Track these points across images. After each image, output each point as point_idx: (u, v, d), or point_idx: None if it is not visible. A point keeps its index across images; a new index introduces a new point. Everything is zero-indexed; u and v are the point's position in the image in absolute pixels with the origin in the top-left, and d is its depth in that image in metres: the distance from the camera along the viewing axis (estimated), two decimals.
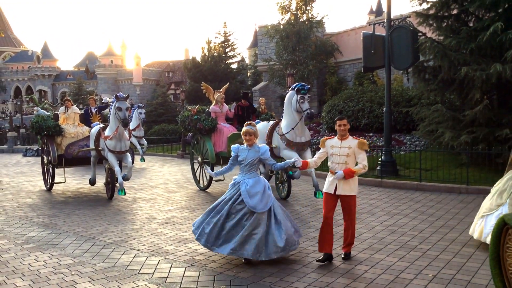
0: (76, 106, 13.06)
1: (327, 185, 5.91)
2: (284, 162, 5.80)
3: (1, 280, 5.59)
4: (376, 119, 18.11)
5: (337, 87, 27.82)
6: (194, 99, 34.34)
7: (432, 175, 11.66)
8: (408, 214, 8.54)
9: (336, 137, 5.90)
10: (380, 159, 12.65)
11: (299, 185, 12.05)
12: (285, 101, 9.54)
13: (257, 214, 5.75)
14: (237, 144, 6.04)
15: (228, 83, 15.14)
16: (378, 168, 12.45)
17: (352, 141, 5.79)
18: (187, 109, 12.49)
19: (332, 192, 5.84)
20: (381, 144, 15.71)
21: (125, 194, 10.47)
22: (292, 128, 9.33)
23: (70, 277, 5.64)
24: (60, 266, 6.06)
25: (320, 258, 5.90)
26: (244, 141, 5.94)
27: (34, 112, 13.18)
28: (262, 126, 10.32)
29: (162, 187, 12.76)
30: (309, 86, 9.36)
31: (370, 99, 18.91)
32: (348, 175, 5.68)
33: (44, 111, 13.77)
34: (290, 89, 9.48)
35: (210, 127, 11.40)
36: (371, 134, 18.10)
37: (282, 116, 9.79)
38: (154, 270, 5.80)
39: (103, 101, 13.27)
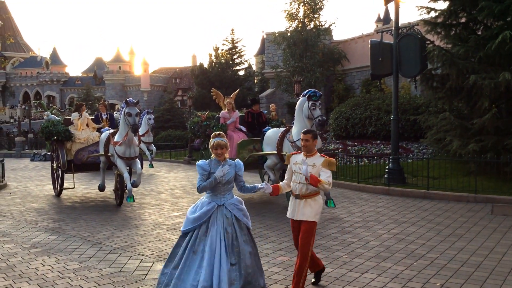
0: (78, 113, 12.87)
1: (289, 209, 5.06)
2: (252, 185, 4.86)
3: (8, 284, 5.60)
4: (383, 126, 18.06)
5: (344, 95, 27.83)
6: (201, 105, 34.43)
7: (440, 183, 11.59)
8: (415, 222, 8.49)
9: (302, 154, 5.08)
10: (387, 167, 12.60)
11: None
12: (296, 107, 9.42)
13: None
14: (202, 161, 4.86)
15: (238, 89, 15.07)
16: (385, 176, 12.40)
17: (318, 159, 4.95)
18: (197, 115, 12.36)
19: (295, 218, 4.96)
20: (388, 151, 15.66)
21: (134, 201, 10.34)
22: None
23: (76, 281, 5.64)
24: (67, 271, 6.06)
25: (313, 280, 5.38)
26: (214, 155, 4.80)
27: (45, 117, 13.06)
28: (273, 133, 10.21)
29: (169, 193, 12.77)
30: (320, 93, 9.20)
31: (377, 107, 18.87)
32: (313, 179, 4.68)
33: (54, 116, 13.63)
34: (301, 95, 9.36)
35: None
36: (378, 141, 18.05)
37: (293, 123, 9.65)
38: None
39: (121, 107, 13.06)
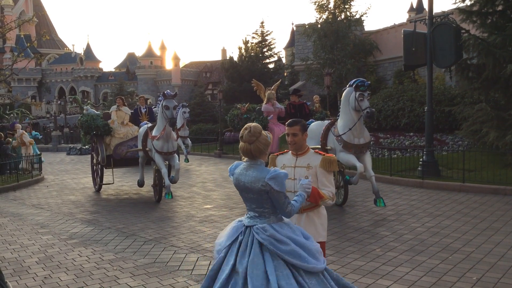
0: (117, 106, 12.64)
1: None
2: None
3: (47, 274, 5.78)
4: (417, 118, 17.71)
5: (376, 86, 27.41)
6: (232, 99, 34.59)
7: (476, 176, 11.31)
8: (450, 215, 8.31)
9: (289, 153, 3.99)
10: (421, 160, 12.37)
11: (357, 191, 10.94)
12: (342, 98, 8.87)
13: None
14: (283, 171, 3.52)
15: (280, 80, 14.78)
16: (419, 168, 12.17)
17: (312, 157, 3.88)
18: (237, 107, 11.95)
19: None
20: (422, 144, 15.36)
21: (172, 197, 10.04)
22: (350, 129, 8.57)
23: (112, 272, 5.77)
24: (103, 261, 6.21)
25: None
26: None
27: (84, 111, 13.02)
28: (316, 126, 9.57)
29: (200, 186, 12.89)
30: (369, 82, 8.63)
31: (410, 98, 18.52)
32: (314, 197, 3.67)
33: (93, 110, 13.54)
34: (348, 85, 8.76)
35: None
36: (411, 134, 17.73)
37: (338, 115, 9.05)
38: (193, 267, 5.85)
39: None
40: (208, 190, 12.08)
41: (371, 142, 17.13)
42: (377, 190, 8.57)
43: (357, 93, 8.30)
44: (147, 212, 9.50)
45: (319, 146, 9.17)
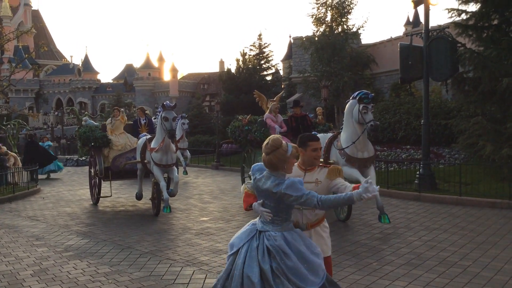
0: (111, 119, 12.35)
1: None
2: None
3: (41, 287, 5.73)
4: (413, 131, 17.76)
5: (373, 99, 27.51)
6: (229, 110, 34.63)
7: (473, 189, 11.32)
8: (447, 229, 8.30)
9: (296, 166, 3.86)
10: (418, 173, 12.38)
11: (360, 207, 10.44)
12: (345, 111, 8.63)
13: None
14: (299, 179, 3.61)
15: (282, 92, 14.51)
16: (416, 181, 12.18)
17: (320, 172, 3.88)
18: (238, 119, 11.59)
19: None
20: (418, 157, 15.39)
21: (170, 211, 9.70)
22: (353, 142, 8.37)
23: (107, 285, 5.73)
24: (98, 275, 6.17)
25: None
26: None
27: (83, 122, 12.87)
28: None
29: (197, 198, 12.85)
30: (373, 94, 8.41)
31: (407, 111, 18.59)
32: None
33: (92, 121, 13.38)
34: (351, 98, 8.55)
35: (262, 139, 10.16)
36: (408, 146, 17.76)
37: (341, 128, 8.86)
38: (189, 281, 5.82)
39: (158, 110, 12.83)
40: (205, 202, 12.04)
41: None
42: (381, 206, 8.17)
43: (361, 106, 8.13)
44: (143, 224, 9.46)
45: (322, 159, 9.02)
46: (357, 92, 8.42)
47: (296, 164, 3.85)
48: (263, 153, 3.58)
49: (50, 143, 24.70)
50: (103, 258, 6.98)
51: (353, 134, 8.42)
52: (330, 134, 9.49)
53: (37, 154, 18.50)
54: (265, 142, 3.59)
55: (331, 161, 8.75)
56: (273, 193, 3.51)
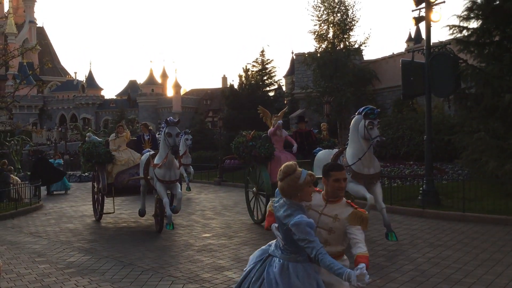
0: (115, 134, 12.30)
1: None
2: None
3: None
4: (416, 147, 17.75)
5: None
6: (232, 126, 34.70)
7: (477, 205, 11.25)
8: (451, 246, 8.24)
9: (321, 195, 3.62)
10: (421, 189, 12.33)
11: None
12: (350, 126, 8.57)
13: None
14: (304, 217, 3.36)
15: (286, 108, 14.37)
16: (419, 197, 12.13)
17: (343, 208, 3.51)
18: (242, 134, 11.45)
19: None
20: (422, 172, 15.34)
21: (173, 228, 9.67)
22: (359, 158, 8.28)
23: None
24: None
25: None
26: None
27: (86, 138, 12.83)
28: (324, 155, 9.26)
29: (199, 214, 12.81)
30: (378, 110, 8.30)
31: (410, 127, 18.61)
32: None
33: (96, 137, 13.30)
34: (356, 113, 8.47)
35: (266, 155, 10.31)
36: (411, 162, 17.73)
37: (347, 144, 8.78)
38: None
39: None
40: (207, 219, 12.00)
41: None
42: (388, 223, 8.08)
43: (367, 121, 8.03)
44: (145, 241, 9.42)
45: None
46: (362, 108, 8.35)
47: (322, 192, 3.61)
48: (278, 179, 3.44)
49: (60, 160, 24.79)
50: (104, 275, 6.94)
51: (359, 150, 8.34)
52: (335, 150, 9.39)
53: (46, 171, 18.83)
54: (280, 169, 3.45)
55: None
56: (282, 223, 3.39)
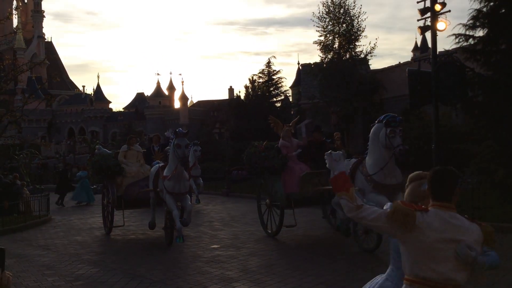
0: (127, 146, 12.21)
1: None
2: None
3: None
4: (424, 156, 17.65)
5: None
6: (239, 137, 34.79)
7: (486, 214, 11.16)
8: None
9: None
10: None
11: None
12: (370, 135, 8.32)
13: None
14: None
15: (298, 117, 13.92)
16: None
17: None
18: (254, 145, 11.12)
19: None
20: None
21: (183, 241, 9.42)
22: (381, 168, 8.01)
23: None
24: None
25: None
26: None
27: (96, 150, 12.79)
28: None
29: (207, 225, 12.80)
30: (400, 117, 8.07)
31: (417, 136, 18.54)
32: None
33: (105, 149, 13.06)
34: (376, 121, 8.24)
35: (280, 166, 10.04)
36: (419, 171, 17.64)
37: (366, 153, 8.54)
38: None
39: (165, 134, 12.72)
40: (215, 230, 11.99)
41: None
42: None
43: (388, 129, 7.76)
44: (154, 252, 9.42)
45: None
46: (383, 115, 8.13)
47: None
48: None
49: (84, 172, 24.81)
50: (113, 287, 6.94)
51: (380, 159, 8.06)
52: (353, 160, 9.09)
53: (64, 182, 21.70)
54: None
55: (356, 188, 7.99)
56: None
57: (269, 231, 10.64)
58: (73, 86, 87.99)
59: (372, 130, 8.29)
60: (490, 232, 3.06)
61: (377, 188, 8.05)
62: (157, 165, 10.83)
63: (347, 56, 28.35)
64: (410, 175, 3.34)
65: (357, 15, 28.06)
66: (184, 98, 68.28)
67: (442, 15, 12.00)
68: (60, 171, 23.28)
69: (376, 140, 8.06)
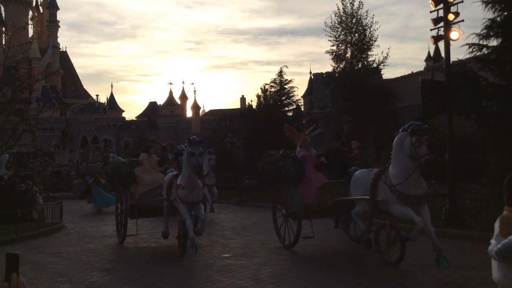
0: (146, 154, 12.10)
1: None
2: None
3: None
4: (438, 166, 17.47)
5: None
6: (251, 146, 34.80)
7: None
8: (475, 267, 8.05)
9: None
10: (444, 208, 12.13)
11: (414, 248, 9.33)
12: (393, 144, 8.10)
13: None
14: None
15: (314, 125, 13.87)
16: (442, 217, 11.91)
17: None
18: (270, 154, 10.87)
19: None
20: (444, 192, 15.10)
21: (196, 251, 9.18)
22: (406, 178, 7.70)
23: None
24: None
25: None
26: None
27: (110, 158, 12.82)
28: (363, 175, 8.79)
29: (219, 234, 12.79)
30: (426, 126, 7.86)
31: (431, 146, 18.38)
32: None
33: (120, 157, 13.04)
34: (400, 130, 8.05)
35: (297, 175, 9.80)
36: (432, 181, 17.46)
37: (389, 163, 8.24)
38: None
39: (178, 147, 12.74)
40: (226, 239, 11.97)
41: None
42: (439, 248, 7.42)
43: (414, 138, 7.50)
44: (166, 261, 9.43)
45: (368, 197, 8.44)
46: (408, 124, 7.91)
47: None
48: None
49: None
50: None
51: (404, 169, 7.77)
52: (375, 169, 8.77)
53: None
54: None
55: (378, 199, 8.19)
56: None
57: (287, 243, 10.37)
58: (87, 95, 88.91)
59: (396, 139, 8.08)
60: None
61: (402, 198, 7.78)
62: (171, 173, 10.72)
63: (360, 65, 28.31)
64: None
65: (369, 25, 28.06)
66: (196, 107, 68.60)
67: (456, 25, 11.92)
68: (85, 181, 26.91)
69: (400, 150, 7.85)
